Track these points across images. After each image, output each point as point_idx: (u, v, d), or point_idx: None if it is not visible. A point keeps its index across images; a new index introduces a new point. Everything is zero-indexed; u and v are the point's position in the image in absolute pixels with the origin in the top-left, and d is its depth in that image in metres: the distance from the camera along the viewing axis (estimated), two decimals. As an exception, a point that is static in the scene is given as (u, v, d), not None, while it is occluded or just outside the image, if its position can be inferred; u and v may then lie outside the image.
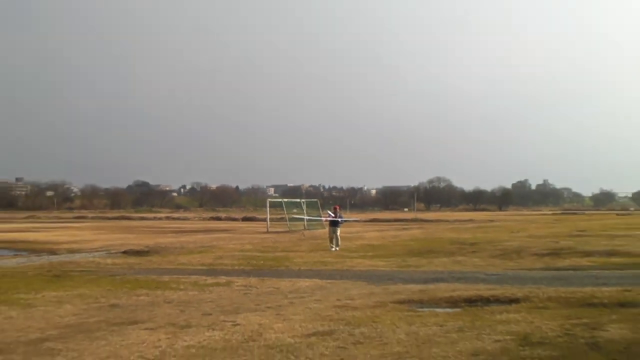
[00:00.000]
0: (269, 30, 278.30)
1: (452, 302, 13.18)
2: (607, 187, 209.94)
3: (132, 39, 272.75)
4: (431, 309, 12.66)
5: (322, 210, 61.88)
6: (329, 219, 34.11)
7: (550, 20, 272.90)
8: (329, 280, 18.13)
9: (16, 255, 32.28)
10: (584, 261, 22.90)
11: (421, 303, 13.26)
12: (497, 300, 13.06)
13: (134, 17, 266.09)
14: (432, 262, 24.34)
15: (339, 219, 33.43)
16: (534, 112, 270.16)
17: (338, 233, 32.46)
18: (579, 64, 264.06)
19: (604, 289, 13.86)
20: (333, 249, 31.23)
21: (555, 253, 25.77)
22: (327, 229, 35.66)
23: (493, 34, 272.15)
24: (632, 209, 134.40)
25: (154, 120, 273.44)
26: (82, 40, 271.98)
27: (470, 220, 77.28)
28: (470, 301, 13.14)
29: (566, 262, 22.69)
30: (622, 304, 12.02)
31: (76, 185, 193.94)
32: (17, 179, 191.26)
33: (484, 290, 14.37)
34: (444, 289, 14.87)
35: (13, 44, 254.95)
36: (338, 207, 35.41)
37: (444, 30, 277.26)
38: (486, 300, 13.12)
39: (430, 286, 15.64)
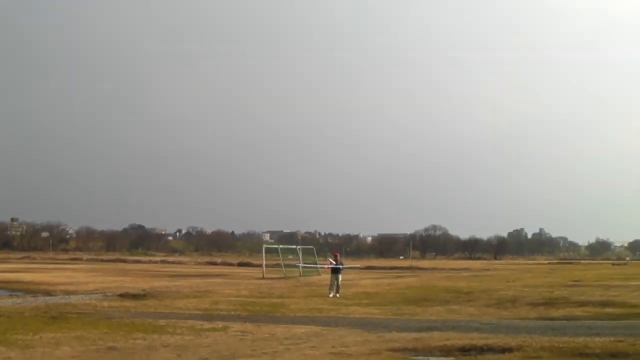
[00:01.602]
0: (267, 78, 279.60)
1: (446, 351, 13.34)
2: (603, 237, 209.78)
3: (130, 83, 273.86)
4: (425, 358, 12.84)
5: (318, 258, 62.06)
6: (330, 266, 34.29)
7: (544, 67, 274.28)
8: (324, 328, 18.25)
9: (12, 295, 32.27)
10: (578, 311, 23.04)
11: (415, 352, 13.42)
12: (491, 350, 13.21)
13: (126, 58, 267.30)
14: (427, 310, 24.48)
15: (341, 266, 33.71)
16: (529, 160, 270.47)
17: (340, 280, 32.71)
18: (575, 111, 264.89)
19: (597, 339, 14.02)
20: (331, 296, 31.42)
21: (550, 303, 25.89)
22: (322, 277, 35.82)
23: (485, 74, 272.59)
24: (628, 258, 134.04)
25: (151, 163, 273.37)
26: (80, 81, 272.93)
27: (466, 269, 77.26)
28: (464, 350, 13.29)
29: (560, 312, 22.82)
30: (615, 355, 12.20)
31: (72, 227, 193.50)
32: (13, 219, 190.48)
33: (477, 339, 14.52)
34: (438, 338, 15.02)
35: (12, 85, 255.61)
36: (338, 255, 35.69)
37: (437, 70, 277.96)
38: (480, 350, 13.28)
39: (425, 335, 15.78)
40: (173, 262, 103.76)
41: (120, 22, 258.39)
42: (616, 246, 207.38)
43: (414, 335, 15.85)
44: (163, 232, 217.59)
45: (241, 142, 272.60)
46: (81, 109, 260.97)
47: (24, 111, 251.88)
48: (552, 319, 20.48)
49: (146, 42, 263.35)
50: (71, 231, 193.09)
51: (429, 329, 17.25)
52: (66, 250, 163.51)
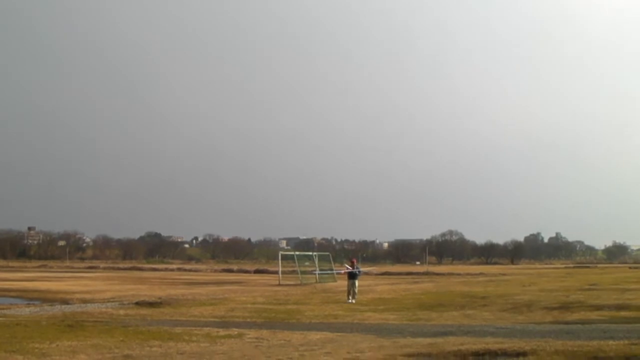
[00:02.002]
0: (288, 85, 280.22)
1: (460, 356, 13.35)
2: (620, 240, 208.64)
3: (149, 90, 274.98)
4: (439, 362, 12.86)
5: (334, 263, 62.05)
6: (347, 271, 34.36)
7: (562, 73, 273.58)
8: (339, 333, 18.30)
9: (29, 304, 32.45)
10: (593, 315, 23.01)
11: (429, 356, 13.44)
12: (505, 354, 13.24)
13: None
14: (442, 315, 24.48)
15: (357, 271, 33.75)
16: (546, 163, 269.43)
17: (356, 286, 32.77)
18: (590, 115, 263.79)
19: (611, 342, 14.01)
20: (350, 301, 31.49)
21: (565, 307, 25.86)
22: (338, 283, 35.83)
23: (501, 78, 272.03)
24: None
25: (167, 171, 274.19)
26: (98, 88, 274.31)
27: (482, 274, 77.04)
28: (478, 355, 13.31)
29: (575, 316, 22.80)
30: (628, 358, 12.20)
31: (88, 235, 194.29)
32: (30, 228, 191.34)
33: (492, 343, 14.54)
34: (452, 343, 15.04)
35: (28, 90, 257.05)
36: (355, 260, 35.80)
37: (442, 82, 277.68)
38: (494, 354, 13.30)
39: (439, 340, 15.80)
40: (189, 270, 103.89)
41: (145, 37, 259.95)
42: (633, 249, 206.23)
43: (428, 340, 15.88)
44: (179, 240, 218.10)
45: (258, 150, 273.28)
46: (99, 117, 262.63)
47: (40, 120, 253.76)
48: (566, 323, 20.46)
49: (169, 49, 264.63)
50: (87, 239, 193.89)
51: (444, 333, 17.27)
52: (82, 259, 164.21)
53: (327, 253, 67.69)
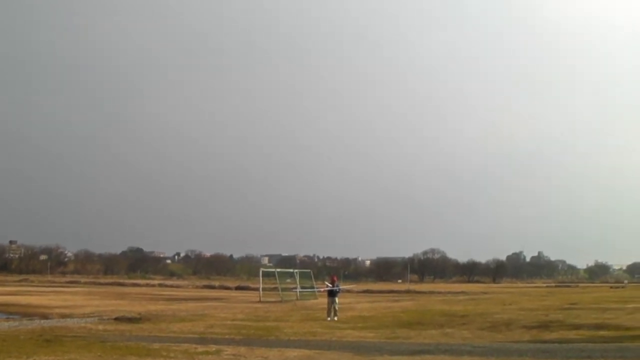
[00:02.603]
0: (262, 101, 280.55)
1: (436, 374, 13.43)
2: (602, 260, 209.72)
3: (128, 106, 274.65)
4: (415, 380, 12.92)
5: (316, 281, 62.02)
6: (327, 289, 34.39)
7: (539, 91, 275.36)
8: (316, 351, 18.33)
9: (8, 318, 32.29)
10: (572, 334, 23.11)
11: (406, 374, 13.51)
12: (481, 373, 13.32)
13: (127, 79, 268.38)
14: (421, 334, 24.53)
15: (337, 289, 33.76)
16: (527, 183, 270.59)
17: (336, 303, 32.74)
18: (572, 133, 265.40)
19: (587, 362, 14.12)
20: (329, 319, 31.44)
21: (545, 326, 25.98)
22: (319, 300, 35.84)
23: (480, 97, 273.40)
24: (626, 281, 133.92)
25: (149, 186, 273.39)
26: (78, 103, 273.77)
27: (463, 292, 77.24)
28: (454, 373, 13.39)
29: (554, 335, 22.90)
30: (603, 378, 12.30)
31: (70, 250, 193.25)
32: (11, 242, 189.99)
33: (468, 362, 14.61)
34: (429, 361, 15.11)
35: (9, 107, 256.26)
36: (336, 278, 35.89)
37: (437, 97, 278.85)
38: (470, 372, 13.38)
39: (417, 358, 15.89)
40: (170, 286, 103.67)
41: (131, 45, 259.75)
42: (615, 269, 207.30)
43: (405, 358, 15.96)
44: (161, 255, 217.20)
45: (239, 166, 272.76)
46: (79, 131, 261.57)
47: (21, 134, 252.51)
48: (544, 342, 20.58)
49: (153, 61, 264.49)
50: (69, 254, 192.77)
51: (421, 352, 17.33)
52: (64, 273, 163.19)
53: (309, 270, 67.62)
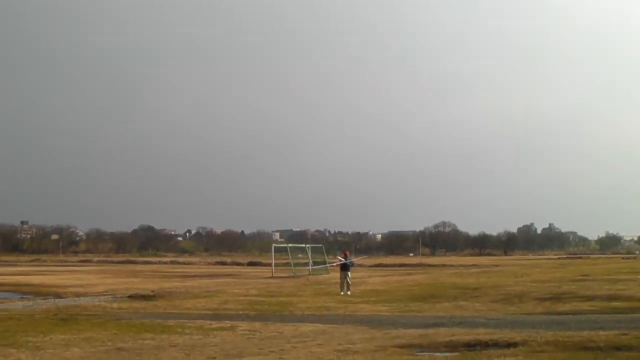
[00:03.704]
0: (279, 77, 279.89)
1: (451, 347, 13.44)
2: (613, 231, 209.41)
3: (140, 82, 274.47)
4: (430, 354, 12.94)
5: (327, 255, 62.10)
6: (339, 263, 34.43)
7: (556, 61, 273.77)
8: (331, 325, 18.36)
9: (22, 298, 32.46)
10: (585, 305, 23.09)
11: (421, 347, 13.53)
12: (496, 345, 13.32)
13: (136, 58, 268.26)
14: (434, 307, 24.55)
15: (350, 263, 33.78)
16: (538, 155, 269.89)
17: (349, 277, 32.75)
18: (584, 105, 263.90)
19: (601, 332, 14.09)
20: (343, 294, 31.42)
21: (557, 297, 25.93)
22: (331, 275, 35.85)
23: (495, 67, 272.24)
24: (637, 252, 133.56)
25: (159, 164, 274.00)
26: (89, 82, 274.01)
27: (474, 265, 77.24)
28: (469, 345, 13.39)
29: (567, 307, 22.87)
30: (618, 348, 12.28)
31: (81, 229, 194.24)
32: (23, 222, 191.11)
33: (483, 334, 14.62)
34: (443, 334, 15.12)
35: (22, 87, 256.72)
36: (348, 252, 35.91)
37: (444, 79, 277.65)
38: (484, 345, 13.38)
39: (431, 331, 15.89)
40: (182, 263, 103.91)
41: (132, 25, 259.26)
42: (626, 240, 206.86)
43: (420, 331, 15.96)
44: (172, 233, 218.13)
45: (250, 142, 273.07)
46: (91, 110, 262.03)
47: (33, 114, 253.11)
48: (558, 314, 20.55)
49: (160, 41, 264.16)
50: (81, 233, 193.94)
51: (435, 325, 17.34)
52: (76, 252, 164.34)
53: (320, 245, 67.64)
